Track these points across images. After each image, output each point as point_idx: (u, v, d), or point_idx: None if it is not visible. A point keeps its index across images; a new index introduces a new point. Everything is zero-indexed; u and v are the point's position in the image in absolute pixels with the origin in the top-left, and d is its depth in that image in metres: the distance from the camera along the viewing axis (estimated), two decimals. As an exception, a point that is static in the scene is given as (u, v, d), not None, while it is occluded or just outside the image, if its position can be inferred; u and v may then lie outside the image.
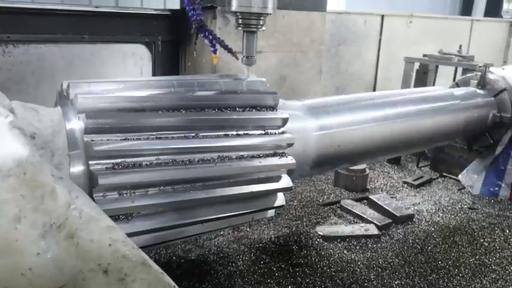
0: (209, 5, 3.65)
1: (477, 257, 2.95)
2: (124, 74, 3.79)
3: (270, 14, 2.33)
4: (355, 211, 3.50)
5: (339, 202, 3.68)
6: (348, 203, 3.63)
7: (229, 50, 2.58)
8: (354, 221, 3.41)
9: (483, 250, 3.04)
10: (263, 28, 2.39)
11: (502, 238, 3.21)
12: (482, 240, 3.16)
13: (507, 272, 2.80)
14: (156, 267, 1.35)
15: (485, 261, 2.90)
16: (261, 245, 2.91)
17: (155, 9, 3.96)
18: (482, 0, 10.46)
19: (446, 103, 3.33)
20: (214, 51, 2.59)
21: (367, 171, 4.09)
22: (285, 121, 2.30)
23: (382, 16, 5.92)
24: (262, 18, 2.34)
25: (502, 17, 10.01)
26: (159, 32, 3.87)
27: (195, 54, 3.68)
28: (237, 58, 2.59)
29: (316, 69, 4.53)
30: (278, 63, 4.18)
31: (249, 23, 2.33)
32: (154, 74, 3.95)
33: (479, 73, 3.80)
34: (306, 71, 4.46)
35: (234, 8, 2.27)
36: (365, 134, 2.83)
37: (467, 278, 2.73)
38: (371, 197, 3.71)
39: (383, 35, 5.95)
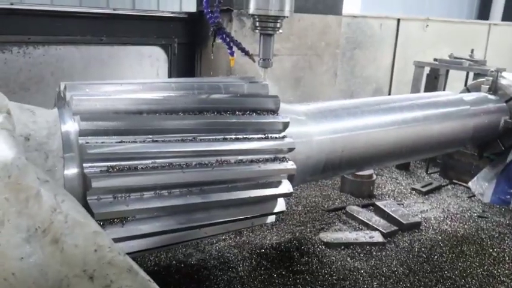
0: (225, 8, 3.68)
1: (485, 267, 2.86)
2: (140, 76, 3.85)
3: (287, 17, 2.35)
4: (360, 217, 3.43)
5: (344, 208, 3.62)
6: (353, 209, 3.57)
7: (247, 53, 2.59)
8: (359, 227, 3.35)
9: (492, 260, 2.95)
10: (280, 31, 2.40)
11: (512, 248, 3.12)
12: (491, 250, 3.07)
13: (516, 283, 2.72)
14: (142, 274, 1.31)
15: (494, 272, 2.81)
16: (262, 250, 2.86)
17: (172, 12, 4.04)
18: (500, 4, 10.30)
19: (455, 108, 3.25)
20: (232, 54, 2.62)
21: (374, 176, 4.02)
22: (285, 125, 2.25)
23: (398, 20, 5.89)
24: (279, 21, 2.36)
25: (521, 20, 9.81)
26: (175, 35, 3.95)
27: (212, 57, 3.72)
28: (253, 61, 2.60)
29: (331, 73, 4.53)
30: (293, 66, 4.20)
31: (266, 25, 2.35)
32: (170, 76, 4.01)
33: (491, 78, 3.72)
34: (320, 74, 4.46)
35: (251, 10, 2.29)
36: (369, 139, 2.77)
37: (474, 289, 2.65)
38: (377, 203, 3.64)
39: (399, 39, 5.92)
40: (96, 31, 3.61)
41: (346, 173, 3.71)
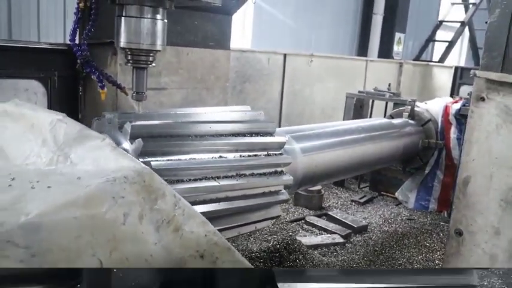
0: (109, 41, 3.32)
1: (424, 255, 3.63)
2: None
3: (160, 50, 2.40)
4: (319, 225, 4.04)
5: (304, 218, 4.20)
6: (312, 218, 4.17)
7: (118, 86, 2.68)
8: (320, 233, 3.95)
9: (427, 250, 3.73)
10: (153, 64, 2.45)
11: (439, 240, 3.94)
12: (425, 242, 3.86)
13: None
14: (237, 252, 1.74)
15: (431, 258, 3.58)
16: (253, 254, 3.31)
17: (51, 44, 3.73)
18: (376, 42, 11.72)
19: (390, 131, 4.06)
20: (102, 87, 2.66)
21: (323, 191, 4.68)
22: (282, 145, 2.79)
23: (285, 55, 6.13)
24: (151, 54, 2.39)
25: (393, 58, 11.31)
26: (55, 67, 3.58)
27: (80, 91, 3.61)
28: (126, 94, 2.67)
29: (221, 106, 4.33)
30: (183, 99, 4.06)
31: (139, 59, 2.37)
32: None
33: (409, 107, 4.64)
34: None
35: (122, 44, 2.30)
36: (334, 156, 3.40)
37: (419, 271, 3.37)
38: (329, 213, 4.30)
39: (286, 73, 6.16)
40: None
41: (314, 186, 4.23)
